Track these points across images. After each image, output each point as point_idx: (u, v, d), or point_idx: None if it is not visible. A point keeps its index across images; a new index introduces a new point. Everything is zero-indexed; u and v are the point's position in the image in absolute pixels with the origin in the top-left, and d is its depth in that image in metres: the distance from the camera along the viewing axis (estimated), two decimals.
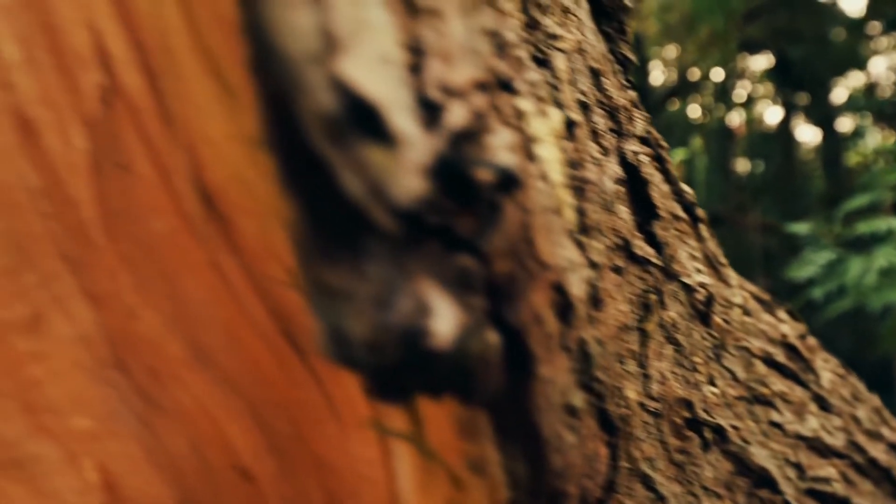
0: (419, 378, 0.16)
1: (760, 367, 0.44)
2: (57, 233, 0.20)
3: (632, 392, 0.30)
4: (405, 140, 0.14)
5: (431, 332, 0.15)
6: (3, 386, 0.20)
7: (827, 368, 0.52)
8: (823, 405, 0.49)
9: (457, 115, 0.16)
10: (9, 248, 0.20)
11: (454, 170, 0.16)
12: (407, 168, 0.14)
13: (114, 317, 0.21)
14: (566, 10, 0.31)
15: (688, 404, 0.35)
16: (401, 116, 0.15)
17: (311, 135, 0.14)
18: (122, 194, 0.21)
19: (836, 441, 0.47)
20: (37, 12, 0.19)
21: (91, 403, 0.21)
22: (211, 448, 0.23)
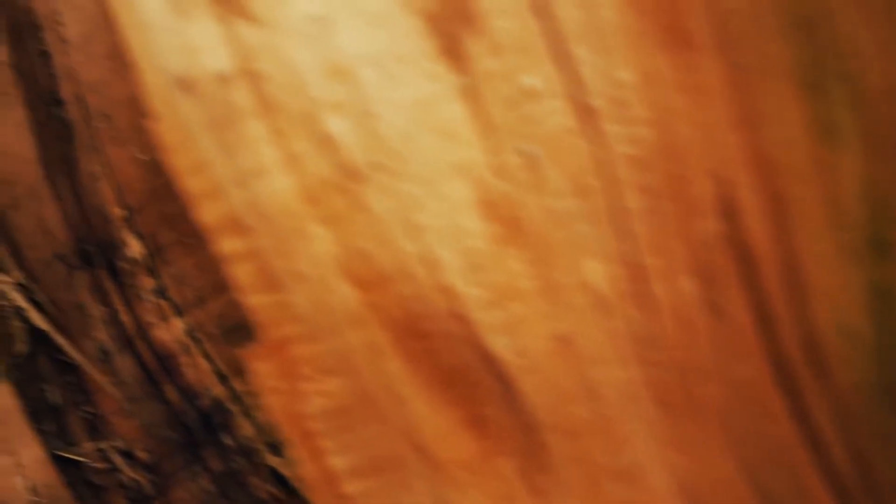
0: None
1: None
2: (656, 379, 0.20)
3: None
4: None
5: None
6: None
7: None
8: None
9: None
10: (622, 394, 0.20)
11: None
12: None
13: (696, 464, 0.20)
14: None
15: None
16: None
17: None
18: (712, 339, 0.20)
19: None
20: (667, 162, 0.19)
21: None
22: None
